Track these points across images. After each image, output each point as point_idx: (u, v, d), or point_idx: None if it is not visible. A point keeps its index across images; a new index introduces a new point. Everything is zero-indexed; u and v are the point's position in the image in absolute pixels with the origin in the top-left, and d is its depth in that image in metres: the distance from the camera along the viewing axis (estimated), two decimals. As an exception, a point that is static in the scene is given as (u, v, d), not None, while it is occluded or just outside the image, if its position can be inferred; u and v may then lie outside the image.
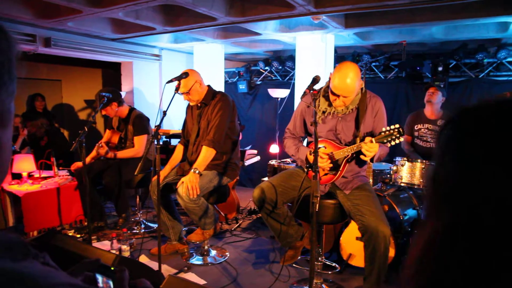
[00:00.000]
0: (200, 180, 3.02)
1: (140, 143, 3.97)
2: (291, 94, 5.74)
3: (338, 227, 3.52)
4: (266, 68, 6.67)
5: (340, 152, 2.54)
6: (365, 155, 2.37)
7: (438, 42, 5.42)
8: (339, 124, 2.65)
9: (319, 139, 2.66)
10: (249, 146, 5.16)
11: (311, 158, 2.58)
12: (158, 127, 2.65)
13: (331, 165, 2.55)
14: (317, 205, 1.98)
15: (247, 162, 4.77)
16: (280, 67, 6.47)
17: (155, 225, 4.25)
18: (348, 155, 2.52)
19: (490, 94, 5.12)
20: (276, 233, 2.82)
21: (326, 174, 2.62)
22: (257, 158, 5.03)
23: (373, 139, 2.34)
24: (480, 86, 5.21)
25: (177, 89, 2.96)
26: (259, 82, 6.90)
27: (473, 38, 4.94)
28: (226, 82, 6.89)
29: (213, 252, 3.56)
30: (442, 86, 4.87)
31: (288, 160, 4.97)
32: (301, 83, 5.31)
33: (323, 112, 2.65)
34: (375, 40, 5.31)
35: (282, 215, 2.75)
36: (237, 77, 7.00)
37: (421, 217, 3.66)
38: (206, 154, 3.09)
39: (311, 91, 2.45)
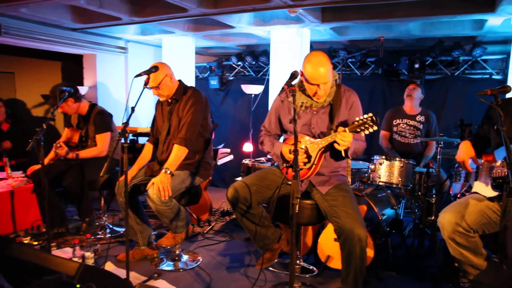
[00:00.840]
0: (171, 180, 2.97)
1: (103, 141, 3.86)
2: (265, 91, 5.75)
3: (315, 228, 3.55)
4: (239, 63, 6.66)
5: (314, 145, 2.56)
6: (339, 145, 2.39)
7: (414, 38, 5.56)
8: (313, 118, 2.67)
9: (291, 135, 2.70)
10: (222, 145, 5.13)
11: (286, 152, 2.62)
12: (126, 124, 2.57)
13: (306, 159, 2.56)
14: (297, 206, 1.97)
15: (219, 162, 4.74)
16: (254, 62, 6.46)
17: (121, 229, 4.16)
18: (323, 147, 2.54)
19: (465, 91, 5.31)
20: (252, 235, 2.81)
21: (301, 169, 2.62)
22: (230, 157, 5.01)
23: (346, 129, 2.38)
24: (456, 84, 5.40)
25: (146, 83, 2.89)
26: (231, 78, 6.88)
27: (449, 35, 5.09)
28: (196, 77, 6.82)
29: (185, 257, 3.51)
30: (418, 83, 5.00)
31: (262, 159, 4.98)
32: (275, 79, 5.31)
33: (301, 106, 2.67)
34: (351, 35, 5.39)
35: (258, 215, 2.74)
36: (209, 72, 6.96)
37: (399, 217, 3.75)
38: (178, 153, 3.04)
39: (290, 87, 2.45)
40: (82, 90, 5.69)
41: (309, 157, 2.58)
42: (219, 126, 6.64)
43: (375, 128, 2.35)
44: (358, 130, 2.37)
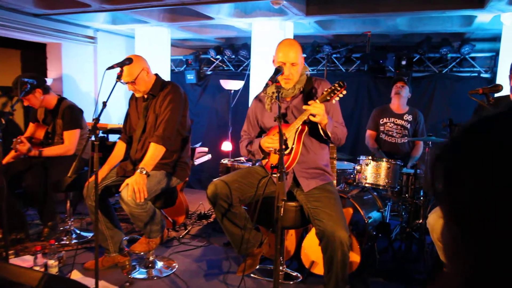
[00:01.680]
0: (147, 181, 2.92)
1: (71, 138, 3.77)
2: (246, 86, 5.73)
3: (298, 232, 3.55)
4: (218, 56, 6.62)
5: (291, 128, 2.60)
6: (314, 116, 2.43)
7: (402, 34, 5.65)
8: (287, 109, 2.76)
9: (271, 128, 2.77)
10: (199, 144, 5.09)
11: (264, 142, 2.63)
12: (97, 120, 2.52)
13: (284, 146, 2.58)
14: (282, 209, 1.97)
15: (196, 161, 4.70)
16: (233, 56, 6.44)
17: (89, 234, 4.07)
18: (299, 126, 2.58)
19: (453, 90, 5.43)
20: (232, 238, 2.81)
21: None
22: (208, 157, 4.97)
23: (316, 100, 2.45)
24: (444, 82, 5.51)
25: (119, 77, 2.84)
26: (209, 72, 6.84)
27: (437, 31, 5.19)
28: (172, 71, 6.75)
29: (159, 264, 3.46)
30: (406, 80, 5.08)
31: (242, 159, 4.96)
32: (256, 74, 5.30)
33: (271, 96, 2.75)
34: (336, 30, 5.43)
35: (239, 216, 2.75)
36: (185, 66, 6.90)
37: (386, 220, 3.80)
38: (155, 152, 3.00)
39: (274, 83, 2.46)
40: (47, 82, 5.54)
41: (286, 143, 2.60)
42: (196, 123, 6.61)
43: (344, 92, 2.44)
44: (328, 97, 2.45)
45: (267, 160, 2.75)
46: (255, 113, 2.92)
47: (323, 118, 2.44)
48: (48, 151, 3.74)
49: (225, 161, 4.87)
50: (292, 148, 2.59)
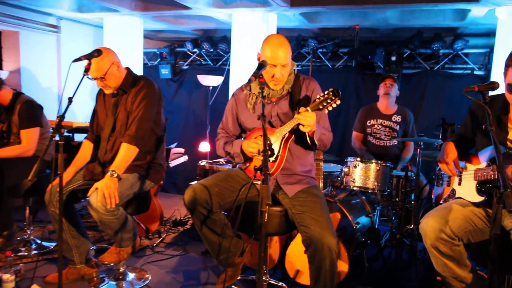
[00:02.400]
0: (119, 185, 2.87)
1: (29, 138, 3.68)
2: (225, 82, 5.72)
3: (282, 239, 3.55)
4: (195, 50, 6.59)
5: (277, 133, 2.59)
6: (303, 127, 2.42)
7: (392, 28, 5.71)
8: (273, 111, 2.74)
9: (253, 129, 2.75)
10: (174, 144, 5.05)
11: (247, 147, 2.62)
12: (62, 118, 2.46)
13: (269, 152, 2.57)
14: (266, 214, 1.96)
15: (172, 163, 4.67)
16: (212, 50, 6.42)
17: (51, 244, 3.98)
18: (286, 133, 2.57)
19: (445, 88, 5.52)
20: (211, 247, 2.78)
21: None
22: (184, 158, 4.94)
23: (308, 108, 2.42)
24: (435, 79, 5.60)
25: (86, 70, 2.79)
26: (186, 67, 6.80)
27: (428, 25, 5.27)
28: (145, 65, 6.68)
29: (131, 275, 3.42)
30: (395, 78, 5.14)
31: (221, 160, 4.94)
32: (236, 69, 5.29)
33: (257, 97, 2.74)
34: (323, 22, 5.46)
35: (220, 223, 2.72)
36: (159, 59, 6.86)
37: (375, 225, 3.83)
38: (127, 153, 2.95)
39: (258, 78, 2.45)
40: (1, 74, 5.41)
41: (272, 149, 2.58)
42: (171, 122, 6.57)
43: (338, 102, 2.42)
44: (321, 106, 2.43)
45: (248, 164, 2.73)
46: (235, 110, 2.89)
47: (313, 128, 2.44)
48: (4, 152, 3.64)
49: (202, 163, 4.84)
50: (277, 155, 2.59)
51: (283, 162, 2.62)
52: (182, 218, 4.94)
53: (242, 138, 2.93)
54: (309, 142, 2.56)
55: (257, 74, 2.42)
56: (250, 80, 2.49)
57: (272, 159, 2.59)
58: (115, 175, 2.85)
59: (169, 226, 4.81)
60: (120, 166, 2.92)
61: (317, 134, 2.51)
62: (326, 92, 2.43)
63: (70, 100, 2.49)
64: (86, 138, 3.37)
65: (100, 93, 3.28)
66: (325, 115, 2.77)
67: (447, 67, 5.75)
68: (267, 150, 2.06)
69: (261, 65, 2.50)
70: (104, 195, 2.77)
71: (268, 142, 2.58)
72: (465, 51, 5.51)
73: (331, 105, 2.42)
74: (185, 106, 6.76)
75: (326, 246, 2.41)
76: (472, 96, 2.35)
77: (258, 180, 2.63)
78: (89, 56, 2.79)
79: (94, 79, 3.02)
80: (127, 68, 3.21)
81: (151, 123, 3.09)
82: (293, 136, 2.61)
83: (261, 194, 1.93)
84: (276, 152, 2.58)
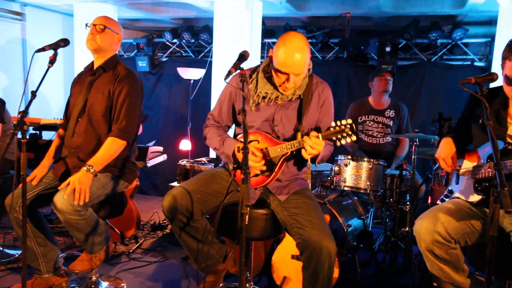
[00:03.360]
0: (91, 184, 2.85)
1: None
2: (207, 75, 5.70)
3: (268, 244, 3.55)
4: (175, 40, 6.56)
5: (278, 149, 2.55)
6: (306, 152, 2.40)
7: (386, 16, 5.73)
8: (277, 114, 2.66)
9: (250, 130, 2.68)
10: (153, 142, 5.01)
11: (240, 156, 2.56)
12: (24, 113, 2.43)
13: (265, 167, 2.55)
14: (247, 216, 1.94)
15: (150, 163, 4.63)
16: (193, 40, 6.40)
17: (16, 252, 3.93)
18: (287, 152, 2.54)
19: (444, 80, 5.54)
20: (193, 254, 2.77)
21: (257, 175, 2.61)
22: (163, 158, 4.92)
23: (319, 135, 2.37)
24: (433, 71, 5.62)
25: (51, 61, 2.74)
26: (165, 59, 6.77)
27: (425, 13, 5.29)
28: (120, 56, 6.61)
29: (104, 284, 3.40)
30: (390, 70, 5.16)
31: (204, 159, 4.93)
32: (219, 61, 5.28)
33: (263, 98, 2.65)
34: (312, 11, 5.46)
35: (201, 229, 2.70)
36: (136, 51, 6.82)
37: (368, 228, 3.84)
38: (113, 147, 2.92)
39: (238, 71, 2.42)
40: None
41: (269, 162, 2.58)
42: (150, 119, 6.53)
43: (354, 138, 2.36)
44: (334, 138, 2.38)
45: (234, 169, 2.69)
46: (233, 100, 2.79)
47: (317, 154, 2.43)
48: None
49: (183, 162, 4.82)
50: (273, 172, 2.59)
51: (277, 176, 2.62)
52: (161, 222, 4.92)
53: (231, 134, 2.90)
54: (309, 162, 2.55)
55: (238, 66, 2.40)
56: (229, 72, 2.42)
57: (266, 174, 2.59)
58: (91, 171, 2.82)
59: (147, 230, 4.79)
60: (99, 162, 2.89)
61: (319, 157, 2.50)
62: (343, 124, 2.35)
63: (33, 94, 2.46)
64: (60, 126, 3.34)
65: (77, 80, 3.26)
66: (331, 117, 2.73)
67: (446, 58, 5.79)
68: (247, 148, 2.05)
69: (242, 56, 2.47)
70: (74, 190, 2.73)
71: (266, 152, 2.58)
72: (465, 40, 5.54)
73: (345, 139, 2.36)
74: (165, 101, 6.73)
75: (325, 250, 2.39)
76: (468, 89, 2.36)
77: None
78: (55, 46, 2.75)
79: (95, 25, 3.04)
80: (115, 54, 3.22)
81: (140, 115, 3.10)
82: (293, 154, 2.59)
83: (241, 194, 1.91)
84: (272, 168, 2.58)
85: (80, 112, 3.07)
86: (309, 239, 2.43)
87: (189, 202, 2.60)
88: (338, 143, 2.41)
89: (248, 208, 1.90)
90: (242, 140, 2.64)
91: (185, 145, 5.53)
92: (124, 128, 2.97)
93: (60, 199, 2.74)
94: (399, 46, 5.62)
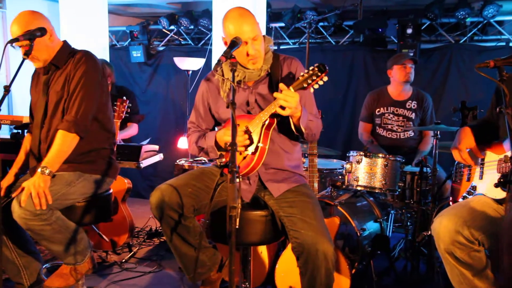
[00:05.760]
0: (52, 183, 2.84)
1: None
2: (207, 65, 5.73)
3: (272, 249, 3.56)
4: (172, 27, 6.60)
5: (256, 120, 2.61)
6: (283, 110, 2.44)
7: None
8: (251, 97, 2.76)
9: (227, 120, 2.77)
10: (147, 140, 5.05)
11: (222, 136, 2.63)
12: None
13: (248, 141, 2.59)
14: (238, 219, 1.97)
15: (144, 163, 4.65)
16: (192, 27, 6.41)
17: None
18: (266, 119, 2.58)
19: (474, 65, 5.48)
20: (184, 261, 2.78)
21: (245, 158, 2.64)
22: (159, 157, 4.93)
23: (290, 87, 2.46)
24: (462, 54, 5.56)
25: (27, 53, 2.77)
26: (161, 48, 6.81)
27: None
28: (112, 46, 6.71)
29: (92, 297, 3.45)
30: (412, 55, 5.13)
31: (204, 159, 4.94)
32: (221, 50, 5.24)
33: (237, 82, 2.74)
34: (323, -11, 5.46)
35: (193, 231, 2.72)
36: (129, 39, 6.86)
37: (387, 232, 3.84)
38: (65, 142, 2.89)
39: (229, 59, 2.46)
40: None
41: (251, 138, 2.61)
42: (146, 115, 6.55)
43: (325, 78, 2.45)
44: (305, 85, 2.46)
45: (224, 160, 2.74)
46: (206, 99, 2.91)
47: (296, 111, 2.46)
48: None
49: (181, 161, 4.84)
50: (257, 146, 2.60)
51: (265, 154, 2.62)
52: (158, 228, 4.95)
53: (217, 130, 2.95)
54: (294, 131, 2.58)
55: (228, 54, 2.44)
56: (219, 61, 2.48)
57: (251, 150, 2.59)
58: (47, 172, 2.80)
59: (142, 238, 4.83)
60: (54, 161, 2.86)
61: (303, 121, 2.52)
62: (310, 68, 2.45)
63: (6, 89, 2.50)
64: (28, 131, 3.34)
65: (35, 73, 3.26)
66: (311, 98, 2.82)
67: (476, 39, 5.72)
68: (235, 143, 2.08)
69: (234, 43, 2.51)
70: (31, 195, 2.71)
71: (246, 129, 2.60)
72: (498, 18, 5.44)
73: (316, 83, 2.45)
74: (162, 95, 6.77)
75: (320, 253, 2.41)
76: (486, 73, 2.36)
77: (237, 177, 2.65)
78: (29, 36, 2.79)
79: (20, 47, 2.92)
80: (64, 41, 3.17)
81: (95, 105, 3.04)
82: (275, 122, 2.62)
83: (228, 195, 1.95)
84: (256, 141, 2.59)
85: (43, 117, 3.07)
86: (304, 242, 2.45)
87: (179, 197, 2.63)
88: (311, 89, 2.50)
89: (238, 210, 1.94)
90: (227, 126, 2.72)
91: (183, 143, 5.56)
92: (72, 118, 2.92)
93: (16, 206, 2.73)
94: (422, 27, 5.58)
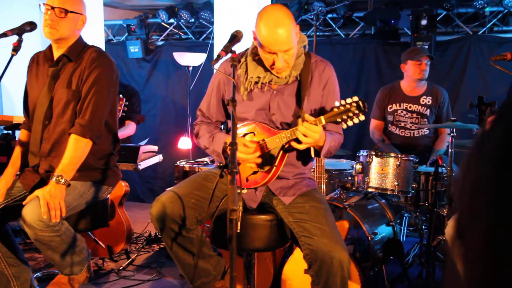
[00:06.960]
0: (66, 193, 2.84)
1: None
2: (209, 60, 5.73)
3: (279, 254, 3.57)
4: (171, 20, 6.62)
5: (276, 139, 2.58)
6: (299, 142, 2.43)
7: (421, -17, 5.69)
8: (273, 101, 2.69)
9: (245, 122, 2.73)
10: (145, 141, 5.07)
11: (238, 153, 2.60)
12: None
13: (260, 159, 2.59)
14: (239, 223, 1.98)
15: (142, 165, 4.67)
16: (193, 20, 6.44)
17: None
18: (287, 143, 2.57)
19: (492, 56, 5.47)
20: (186, 270, 2.79)
21: (255, 173, 2.65)
22: (158, 158, 4.95)
23: (321, 117, 2.42)
24: (480, 46, 5.55)
25: (15, 49, 2.80)
26: (160, 43, 6.84)
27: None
28: (108, 41, 6.74)
29: (88, 307, 3.47)
30: (427, 47, 5.11)
31: (206, 159, 4.96)
32: (222, 44, 5.28)
33: (256, 83, 2.69)
34: (331, -21, 5.46)
35: (196, 241, 2.71)
36: (127, 34, 6.90)
37: (400, 236, 3.85)
38: (78, 148, 2.88)
39: (229, 54, 2.47)
40: None
41: (268, 156, 2.61)
42: (145, 114, 6.57)
43: (362, 118, 2.40)
44: (339, 120, 2.42)
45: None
46: (222, 91, 2.83)
47: (318, 142, 2.45)
48: None
49: (182, 163, 4.85)
50: (274, 166, 2.61)
51: (278, 172, 2.64)
52: (157, 234, 4.95)
53: (223, 128, 2.96)
54: (313, 155, 2.59)
55: (228, 49, 2.45)
56: (219, 56, 2.48)
57: (265, 169, 2.62)
58: (62, 181, 2.78)
59: (141, 244, 4.84)
60: (68, 169, 2.83)
61: (324, 149, 2.51)
62: (348, 102, 2.39)
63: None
64: (22, 127, 3.29)
65: (33, 61, 3.21)
66: (336, 99, 2.74)
67: (496, 30, 5.71)
68: (235, 143, 2.10)
69: (234, 37, 2.52)
70: (48, 206, 2.70)
71: (263, 144, 2.61)
72: (519, 7, 5.46)
73: (352, 120, 2.40)
74: (162, 93, 6.79)
75: (336, 261, 2.41)
76: (502, 67, 2.37)
77: (245, 189, 2.67)
78: (18, 31, 2.80)
79: (52, 7, 2.90)
80: (80, 35, 3.16)
81: (108, 109, 3.05)
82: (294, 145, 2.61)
83: (228, 198, 1.96)
84: (273, 162, 2.61)
85: (46, 114, 3.04)
86: (317, 250, 2.44)
87: (181, 208, 2.61)
88: (344, 125, 2.45)
89: (239, 213, 1.96)
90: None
91: (184, 143, 5.57)
92: (86, 123, 2.90)
93: (30, 212, 2.70)
94: (438, 18, 5.57)
